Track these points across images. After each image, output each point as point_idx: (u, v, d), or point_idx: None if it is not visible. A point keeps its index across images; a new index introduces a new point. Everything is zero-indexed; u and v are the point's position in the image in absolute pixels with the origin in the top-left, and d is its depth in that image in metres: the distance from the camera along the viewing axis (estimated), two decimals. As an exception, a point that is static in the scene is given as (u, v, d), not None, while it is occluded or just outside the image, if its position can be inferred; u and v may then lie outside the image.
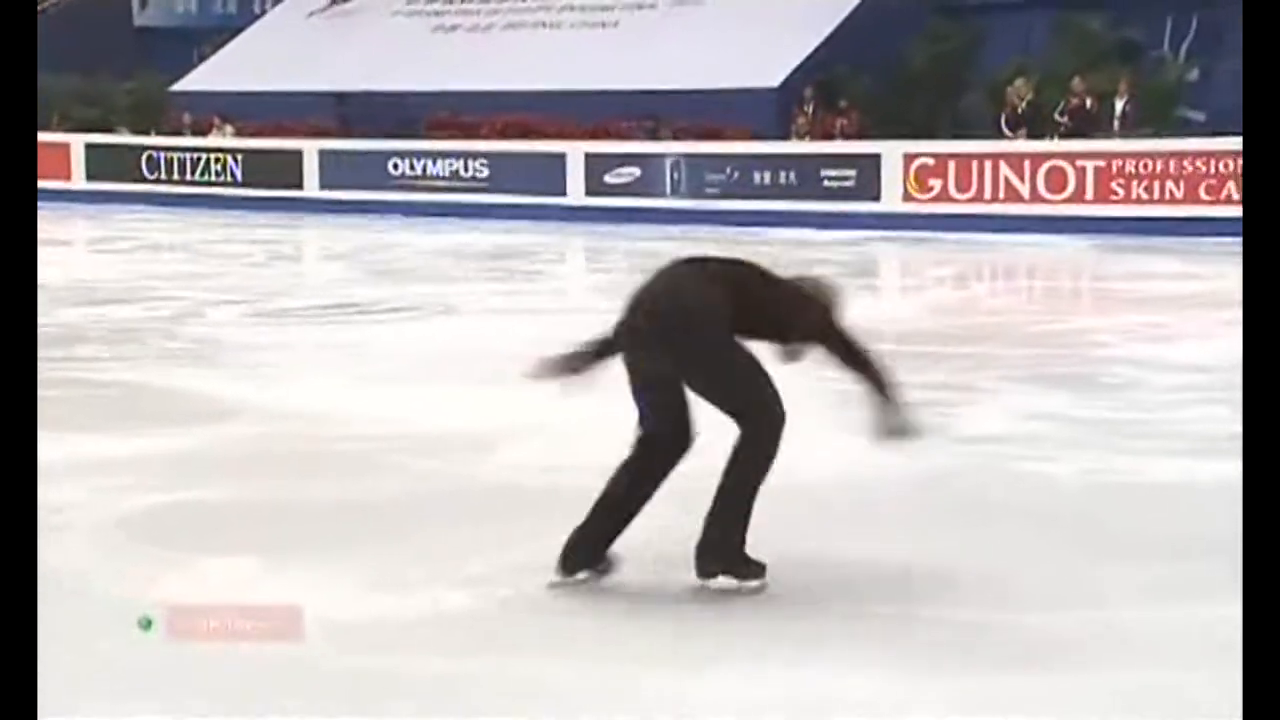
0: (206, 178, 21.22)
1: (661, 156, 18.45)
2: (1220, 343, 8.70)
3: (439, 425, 6.36)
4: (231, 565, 4.32)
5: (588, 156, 18.86)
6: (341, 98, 22.29)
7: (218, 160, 21.24)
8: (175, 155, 21.54)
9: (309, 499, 5.19)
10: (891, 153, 16.78)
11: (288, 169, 20.54)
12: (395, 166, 20.02)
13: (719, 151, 18.33)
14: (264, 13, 26.62)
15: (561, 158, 19.00)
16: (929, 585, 4.13)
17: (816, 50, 20.51)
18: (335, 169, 20.37)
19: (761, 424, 4.02)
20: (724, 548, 4.02)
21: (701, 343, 3.97)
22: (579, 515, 4.09)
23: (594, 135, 19.58)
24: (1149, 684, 3.46)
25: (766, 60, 20.13)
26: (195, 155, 21.41)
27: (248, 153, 21.15)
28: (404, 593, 4.09)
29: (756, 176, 17.68)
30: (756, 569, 4.05)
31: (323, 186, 20.36)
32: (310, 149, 20.59)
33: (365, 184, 19.87)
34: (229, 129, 21.90)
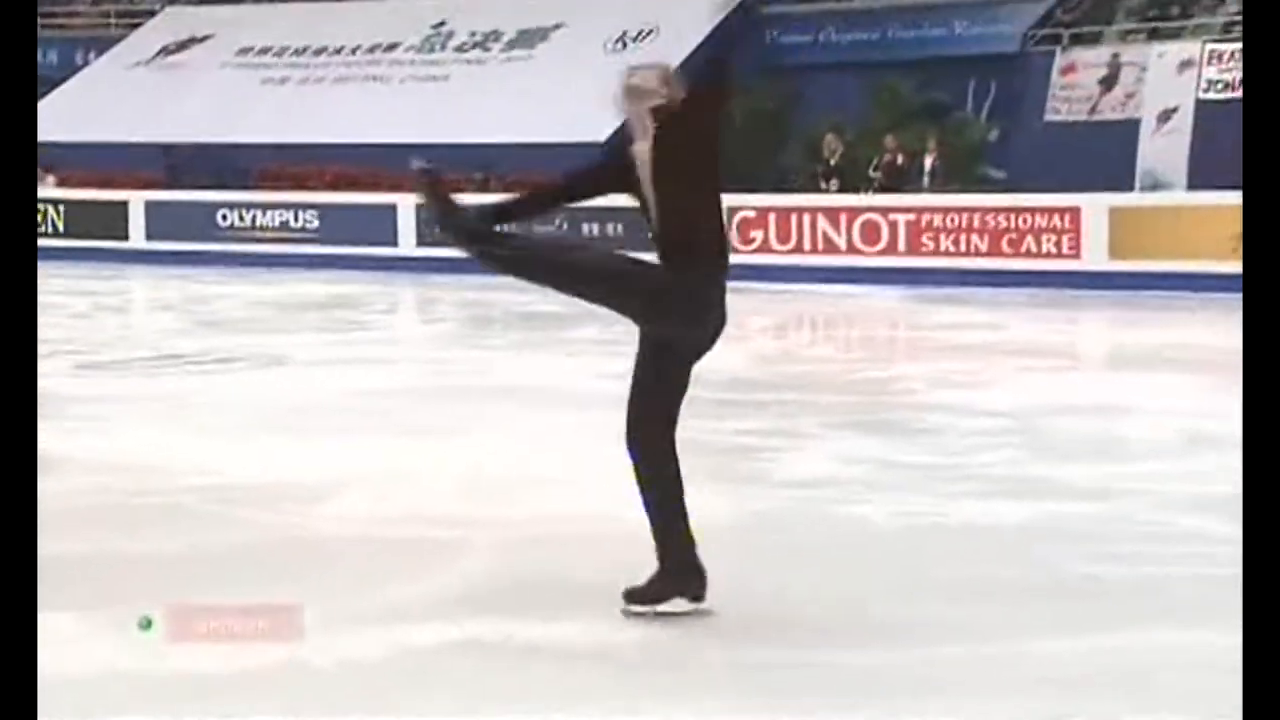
0: (28, 228, 20.58)
1: (491, 209, 18.46)
2: (1020, 389, 9.02)
3: (269, 476, 6.25)
4: (51, 622, 4.17)
5: (418, 207, 18.75)
6: (169, 149, 21.84)
7: (39, 211, 20.61)
8: (-5, 205, 20.84)
9: (137, 552, 5.05)
10: (714, 206, 17.03)
11: (113, 220, 20.05)
12: (224, 217, 19.67)
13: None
14: (87, 63, 25.98)
15: (392, 209, 18.88)
16: (753, 627, 4.18)
17: (641, 106, 20.76)
18: (162, 220, 19.93)
19: None
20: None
21: None
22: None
23: (425, 187, 19.49)
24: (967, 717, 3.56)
25: (593, 115, 20.25)
26: (16, 205, 20.75)
27: (71, 204, 20.57)
28: (234, 644, 3.99)
29: (585, 228, 17.80)
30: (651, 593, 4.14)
31: (149, 237, 19.91)
32: (136, 200, 20.13)
33: (193, 235, 19.49)
34: (51, 179, 21.26)
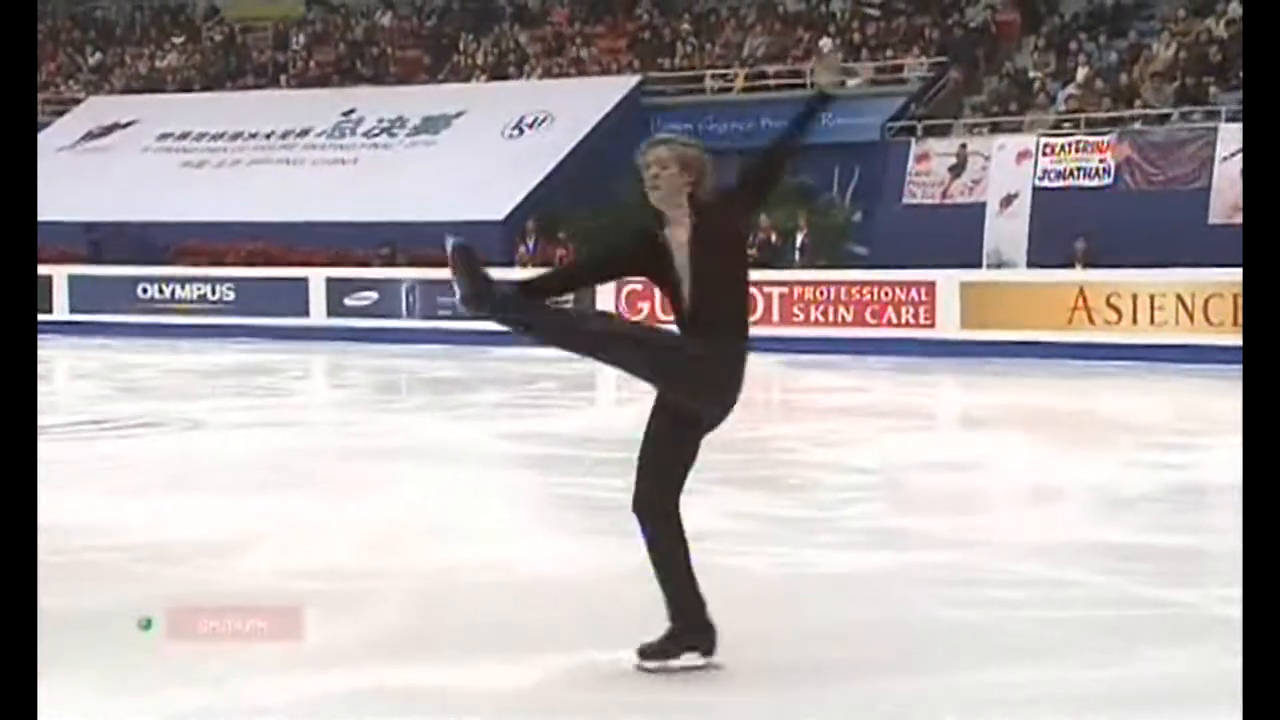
0: (-46, 300, 20.02)
1: (397, 281, 18.39)
2: (883, 447, 9.14)
3: (185, 534, 6.11)
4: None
5: (329, 281, 18.66)
6: (91, 227, 21.44)
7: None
8: (-78, 278, 20.25)
9: (56, 609, 4.89)
10: (605, 279, 17.09)
11: (37, 293, 19.59)
12: (144, 290, 19.34)
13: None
14: (15, 145, 25.45)
15: (304, 282, 18.74)
16: (639, 670, 4.17)
17: (537, 187, 20.86)
18: (85, 293, 19.53)
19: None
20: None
21: None
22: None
23: (334, 262, 19.39)
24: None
25: (493, 195, 20.36)
26: (-57, 278, 20.20)
27: (-4, 276, 20.07)
28: (144, 696, 3.89)
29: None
30: (668, 649, 4.05)
31: (72, 310, 19.49)
32: (59, 274, 19.69)
33: (114, 307, 19.12)
34: (-22, 254, 20.77)
